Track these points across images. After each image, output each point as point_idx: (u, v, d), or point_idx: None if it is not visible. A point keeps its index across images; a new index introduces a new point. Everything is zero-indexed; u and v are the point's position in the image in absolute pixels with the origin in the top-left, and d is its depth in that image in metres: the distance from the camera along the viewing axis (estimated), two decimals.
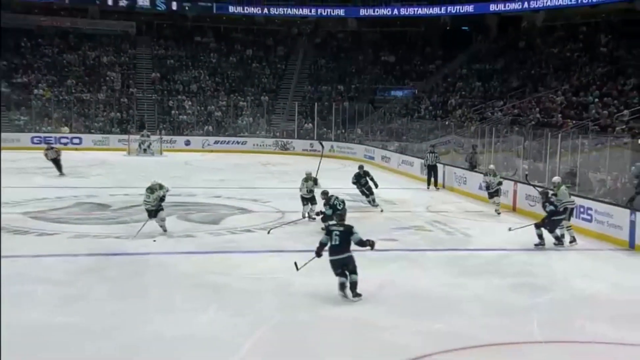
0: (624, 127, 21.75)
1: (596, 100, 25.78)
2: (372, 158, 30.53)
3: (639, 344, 7.84)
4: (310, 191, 15.32)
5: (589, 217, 14.52)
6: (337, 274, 9.13)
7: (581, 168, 18.04)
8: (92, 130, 35.46)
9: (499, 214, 16.82)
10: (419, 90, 38.06)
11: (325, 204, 13.80)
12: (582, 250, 13.40)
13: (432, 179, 21.42)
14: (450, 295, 10.20)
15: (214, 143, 35.23)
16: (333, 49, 43.17)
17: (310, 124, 36.61)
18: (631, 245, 12.94)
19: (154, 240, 12.54)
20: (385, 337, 8.28)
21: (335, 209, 13.23)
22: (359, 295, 9.16)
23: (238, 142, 35.52)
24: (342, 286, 9.15)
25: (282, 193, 19.08)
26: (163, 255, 12.21)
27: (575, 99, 27.39)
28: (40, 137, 33.22)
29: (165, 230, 13.17)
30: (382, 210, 17.01)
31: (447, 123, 29.80)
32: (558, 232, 12.95)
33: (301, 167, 27.58)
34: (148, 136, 32.77)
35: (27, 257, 12.17)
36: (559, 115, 26.27)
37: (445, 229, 15.37)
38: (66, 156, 28.19)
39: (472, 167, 21.80)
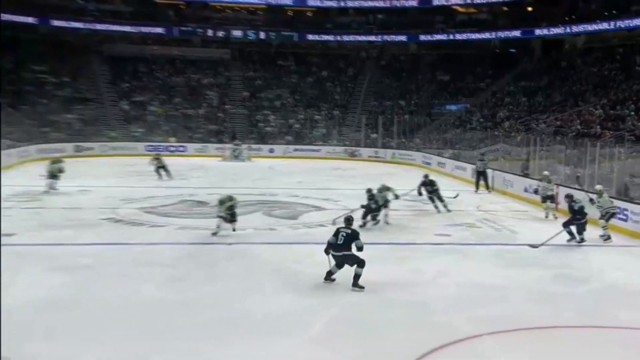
0: None
1: (632, 113, 24.89)
2: (429, 164, 29.88)
3: None
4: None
5: (624, 217, 13.95)
6: (335, 265, 9.10)
7: (617, 173, 17.28)
8: (194, 140, 35.98)
9: (555, 217, 15.38)
10: (471, 104, 37.23)
11: (369, 199, 13.62)
12: (617, 247, 12.81)
13: (483, 182, 20.68)
14: (497, 284, 9.92)
15: (293, 150, 35.17)
16: (396, 70, 42.59)
17: (375, 134, 36.19)
18: None
19: (230, 244, 11.95)
20: (438, 319, 8.13)
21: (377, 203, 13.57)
22: (360, 287, 8.96)
23: (313, 150, 35.39)
24: (329, 274, 9.13)
25: (351, 193, 18.74)
26: (250, 245, 12.26)
27: (613, 112, 26.41)
28: (152, 145, 33.75)
29: (233, 230, 12.69)
30: (440, 212, 16.17)
31: (495, 133, 29.11)
32: (584, 234, 12.27)
33: (367, 171, 27.76)
34: (239, 145, 33.06)
35: (141, 244, 12.54)
36: (598, 126, 25.30)
37: (494, 226, 14.94)
38: (172, 161, 28.66)
39: (525, 174, 20.87)
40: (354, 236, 8.98)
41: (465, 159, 26.81)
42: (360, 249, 8.93)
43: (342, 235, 8.99)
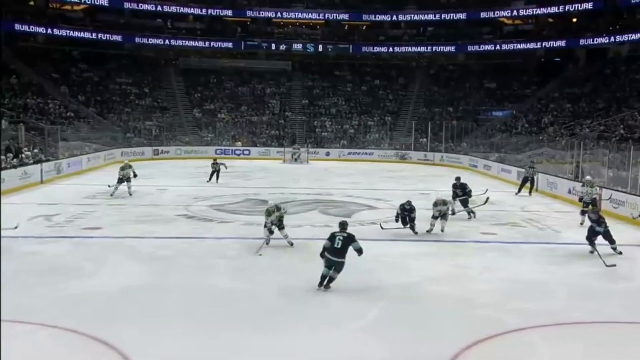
0: None
1: None
2: (476, 166, 29.27)
3: None
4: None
5: None
6: (326, 267, 8.48)
7: None
8: (258, 144, 36.31)
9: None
10: (516, 111, 36.17)
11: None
12: None
13: (527, 185, 19.73)
14: (540, 280, 9.62)
15: (348, 154, 35.06)
16: (444, 78, 41.77)
17: (424, 139, 35.66)
18: None
19: (260, 255, 10.87)
20: (484, 312, 7.95)
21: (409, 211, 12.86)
22: (328, 287, 8.47)
23: (366, 153, 35.12)
24: (323, 278, 8.50)
25: (401, 194, 18.36)
26: (306, 240, 12.22)
27: None
28: (221, 149, 34.54)
29: (291, 244, 11.45)
30: (470, 218, 14.88)
31: (540, 138, 28.12)
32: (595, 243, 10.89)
33: (417, 173, 27.43)
34: (298, 149, 33.16)
35: (212, 238, 12.72)
36: None
37: (537, 225, 14.52)
38: (238, 163, 29.61)
39: (575, 177, 19.65)
40: (350, 239, 8.42)
41: (510, 162, 26.07)
42: (359, 251, 8.45)
43: (339, 239, 8.39)
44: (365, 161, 33.52)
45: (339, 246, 8.35)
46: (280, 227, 11.72)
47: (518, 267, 10.55)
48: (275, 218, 11.42)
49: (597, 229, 10.72)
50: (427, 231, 12.78)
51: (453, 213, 14.12)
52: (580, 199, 14.62)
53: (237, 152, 34.69)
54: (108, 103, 37.03)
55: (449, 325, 7.57)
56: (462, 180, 15.47)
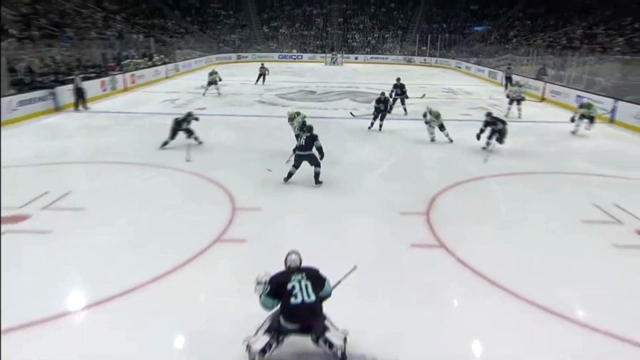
0: None
1: (602, 32, 20.88)
2: (460, 67, 27.80)
3: None
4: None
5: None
6: (293, 166, 6.81)
7: (587, 75, 14.98)
8: (307, 52, 34.75)
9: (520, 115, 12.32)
10: (491, 26, 32.69)
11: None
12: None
13: (506, 84, 17.75)
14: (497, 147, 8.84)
15: (370, 58, 33.35)
16: (442, 1, 37.34)
17: (424, 47, 33.31)
18: None
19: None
20: (458, 167, 7.92)
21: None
22: (320, 182, 6.81)
23: (383, 58, 33.29)
24: (289, 175, 6.84)
25: (408, 87, 17.35)
26: (340, 120, 11.92)
27: (589, 31, 22.43)
28: (283, 54, 33.43)
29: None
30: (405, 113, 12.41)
31: (506, 47, 25.96)
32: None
33: (419, 72, 26.87)
34: (335, 54, 31.79)
35: (276, 117, 11.75)
36: (578, 42, 21.65)
37: (499, 109, 13.71)
38: (294, 65, 28.91)
39: (540, 78, 17.27)
40: (313, 138, 6.71)
41: (484, 65, 24.60)
42: (319, 149, 6.78)
43: (303, 139, 6.74)
44: (382, 63, 32.10)
45: (304, 144, 6.74)
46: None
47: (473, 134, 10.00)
48: (298, 123, 8.15)
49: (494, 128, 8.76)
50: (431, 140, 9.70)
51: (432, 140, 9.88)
52: (508, 96, 12.74)
53: (293, 57, 33.47)
54: (206, 22, 35.45)
55: (435, 174, 7.58)
56: (402, 81, 12.83)
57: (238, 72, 23.96)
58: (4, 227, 5.17)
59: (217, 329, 3.59)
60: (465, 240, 5.13)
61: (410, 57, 33.16)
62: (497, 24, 32.95)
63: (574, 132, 10.53)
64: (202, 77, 20.71)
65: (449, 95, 16.75)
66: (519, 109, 12.38)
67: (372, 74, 24.90)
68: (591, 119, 10.19)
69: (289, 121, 8.52)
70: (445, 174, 7.52)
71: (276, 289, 3.07)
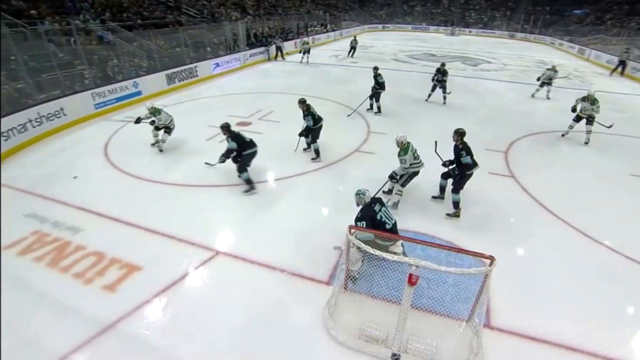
0: None
1: None
2: (554, 44, 27.74)
3: None
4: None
5: None
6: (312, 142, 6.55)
7: None
8: (433, 24, 36.33)
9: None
10: (590, 10, 31.79)
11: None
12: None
13: (619, 70, 15.78)
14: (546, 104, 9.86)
15: (481, 32, 33.75)
16: None
17: (527, 25, 32.67)
18: None
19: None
20: (534, 119, 8.57)
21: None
22: (318, 158, 6.44)
23: (492, 32, 33.53)
24: (317, 153, 6.46)
25: (508, 59, 18.27)
26: (454, 77, 12.21)
27: None
28: (415, 26, 35.45)
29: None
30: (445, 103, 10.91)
31: (600, 28, 25.80)
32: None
33: (520, 45, 26.26)
34: (454, 28, 33.57)
35: (407, 71, 12.61)
36: None
37: (580, 79, 13.72)
38: (420, 34, 31.03)
39: (623, 60, 15.90)
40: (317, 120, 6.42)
41: (575, 43, 24.40)
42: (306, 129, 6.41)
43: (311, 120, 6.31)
44: (490, 37, 32.95)
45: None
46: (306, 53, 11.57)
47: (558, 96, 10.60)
48: (304, 49, 12.48)
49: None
50: (564, 135, 8.32)
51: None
52: (574, 110, 8.42)
53: (422, 27, 36.22)
54: (363, 1, 37.95)
55: (519, 124, 7.75)
56: (446, 67, 10.74)
57: (381, 37, 27.63)
58: (240, 127, 5.93)
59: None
60: (531, 175, 5.43)
61: (513, 33, 33.74)
62: (596, 8, 32.29)
63: (533, 96, 10.40)
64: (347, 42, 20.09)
65: (540, 65, 17.37)
66: (588, 131, 8.12)
67: (481, 44, 26.30)
68: (590, 120, 7.90)
69: (301, 46, 9.37)
70: (528, 126, 7.82)
71: (372, 222, 3.80)
